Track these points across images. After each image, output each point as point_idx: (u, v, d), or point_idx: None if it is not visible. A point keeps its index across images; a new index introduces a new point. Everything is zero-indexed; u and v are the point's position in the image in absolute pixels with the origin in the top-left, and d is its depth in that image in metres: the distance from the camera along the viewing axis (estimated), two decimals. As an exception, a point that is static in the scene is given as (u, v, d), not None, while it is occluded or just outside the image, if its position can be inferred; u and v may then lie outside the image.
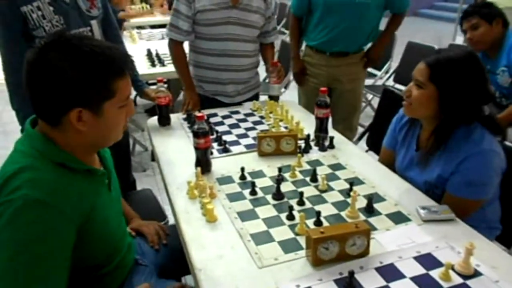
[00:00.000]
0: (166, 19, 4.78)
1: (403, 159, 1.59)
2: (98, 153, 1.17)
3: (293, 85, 5.10)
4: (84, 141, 1.03)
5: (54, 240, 0.94)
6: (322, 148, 1.71)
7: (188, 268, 1.17)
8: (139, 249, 1.39)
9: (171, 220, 1.57)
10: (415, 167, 1.52)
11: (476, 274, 1.04)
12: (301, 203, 1.34)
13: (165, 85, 2.01)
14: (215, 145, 1.74)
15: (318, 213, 1.23)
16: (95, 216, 1.05)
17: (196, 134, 1.48)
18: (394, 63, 3.99)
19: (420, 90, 1.39)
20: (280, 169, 1.49)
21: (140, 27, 4.97)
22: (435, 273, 1.04)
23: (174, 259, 1.38)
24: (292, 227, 1.23)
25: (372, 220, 1.27)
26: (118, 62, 1.01)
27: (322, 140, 1.74)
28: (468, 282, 1.02)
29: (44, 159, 0.98)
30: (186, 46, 2.20)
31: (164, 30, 4.32)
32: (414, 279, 1.03)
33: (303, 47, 2.73)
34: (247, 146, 1.75)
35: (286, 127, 1.89)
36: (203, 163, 1.52)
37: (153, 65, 3.16)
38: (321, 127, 1.78)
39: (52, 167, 0.98)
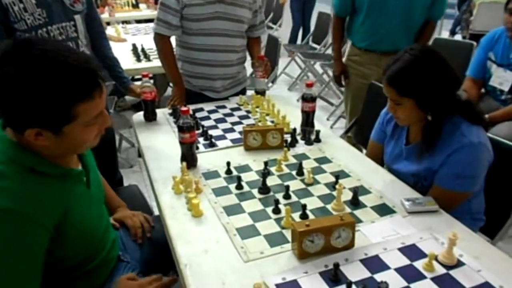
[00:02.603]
0: (153, 13, 4.75)
1: (392, 152, 1.59)
2: None
3: (280, 80, 5.13)
4: (52, 150, 0.98)
5: (25, 249, 0.92)
6: (308, 142, 1.71)
7: (173, 262, 1.16)
8: (121, 244, 1.37)
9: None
10: (404, 160, 1.53)
11: (459, 264, 1.05)
12: (287, 196, 1.34)
13: (151, 81, 1.99)
14: (201, 139, 1.74)
15: (304, 207, 1.24)
16: (71, 218, 1.03)
17: (181, 129, 1.47)
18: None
19: (399, 105, 1.40)
20: (266, 163, 1.49)
21: (125, 22, 4.92)
22: (419, 264, 1.05)
23: (159, 254, 1.37)
24: (278, 220, 1.23)
25: (357, 212, 1.27)
26: (85, 85, 0.92)
27: (308, 134, 1.74)
28: (451, 272, 1.03)
29: (12, 164, 0.94)
30: (172, 40, 2.18)
31: (150, 24, 4.30)
32: (398, 270, 1.04)
33: (346, 46, 2.66)
34: (233, 141, 1.74)
35: (272, 121, 1.89)
36: (188, 157, 1.51)
37: (139, 60, 3.12)
38: (307, 121, 1.78)
39: (21, 173, 0.94)
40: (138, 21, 5.04)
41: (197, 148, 1.64)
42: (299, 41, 6.21)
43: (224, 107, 2.10)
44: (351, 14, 2.53)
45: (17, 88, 0.87)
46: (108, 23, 4.34)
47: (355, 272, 1.04)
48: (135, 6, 5.33)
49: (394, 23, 2.36)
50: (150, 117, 1.96)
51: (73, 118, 0.93)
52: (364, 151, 1.92)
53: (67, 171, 1.05)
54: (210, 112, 2.04)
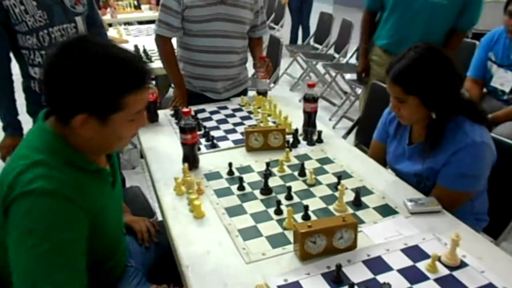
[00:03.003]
0: (155, 14, 4.76)
1: (395, 152, 1.59)
2: None
3: (282, 80, 5.13)
4: (90, 143, 1.02)
5: (72, 229, 0.94)
6: (310, 143, 1.71)
7: (176, 267, 1.16)
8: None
9: (160, 218, 1.56)
10: (406, 160, 1.52)
11: (462, 265, 1.05)
12: (289, 197, 1.34)
13: (153, 82, 1.99)
14: (202, 140, 1.74)
15: (306, 207, 1.23)
16: (100, 215, 1.05)
17: (182, 130, 1.47)
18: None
19: (404, 104, 1.39)
20: (268, 164, 1.49)
21: (127, 23, 4.92)
22: (422, 265, 1.05)
23: (162, 258, 1.37)
24: (280, 221, 1.23)
25: (359, 213, 1.27)
26: (135, 77, 0.99)
27: (310, 135, 1.74)
28: (454, 273, 1.02)
29: (54, 156, 0.97)
30: (173, 41, 2.18)
31: (152, 25, 4.30)
32: (401, 271, 1.03)
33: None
34: (235, 142, 1.74)
35: (274, 122, 1.88)
36: (190, 159, 1.51)
37: (141, 61, 3.12)
38: (309, 121, 1.77)
39: (62, 165, 0.97)
40: (140, 22, 5.04)
41: (199, 149, 1.64)
42: (299, 41, 6.21)
43: (226, 108, 2.10)
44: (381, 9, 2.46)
45: (76, 73, 0.93)
46: (110, 25, 4.35)
47: (358, 273, 1.03)
48: (137, 7, 5.33)
49: (416, 26, 2.28)
50: (152, 118, 1.96)
51: (120, 108, 0.98)
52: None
53: (99, 169, 1.08)
54: (211, 113, 2.04)
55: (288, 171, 1.50)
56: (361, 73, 2.67)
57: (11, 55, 1.80)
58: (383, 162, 1.64)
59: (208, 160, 1.59)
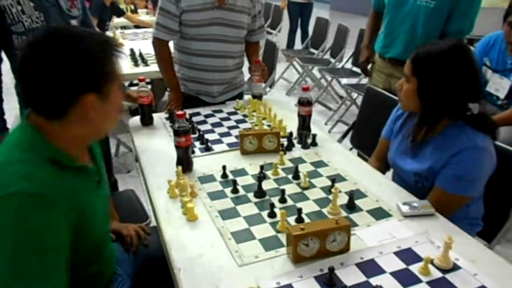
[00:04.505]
0: (152, 19, 4.78)
1: (397, 148, 1.58)
2: (88, 149, 1.13)
3: (279, 85, 5.14)
4: (83, 133, 1.00)
5: (55, 235, 0.90)
6: (305, 146, 1.71)
7: (166, 277, 1.15)
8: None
9: (154, 221, 1.55)
10: (408, 157, 1.52)
11: (455, 267, 1.04)
12: (282, 200, 1.33)
13: (149, 86, 1.99)
14: (197, 144, 1.73)
15: (300, 210, 1.23)
16: (85, 216, 1.01)
17: (176, 133, 1.46)
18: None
19: (407, 83, 1.42)
20: (262, 167, 1.48)
21: (123, 27, 4.93)
22: (415, 268, 1.05)
23: (151, 268, 1.35)
24: (273, 224, 1.22)
25: (353, 216, 1.26)
26: (108, 46, 1.01)
27: (304, 138, 1.73)
28: (447, 275, 1.02)
29: (34, 152, 0.94)
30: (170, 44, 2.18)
31: (148, 29, 4.32)
32: (394, 274, 1.03)
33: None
34: (229, 145, 1.74)
35: (269, 125, 1.88)
36: (184, 161, 1.50)
37: (136, 65, 3.13)
38: (303, 125, 1.77)
39: (42, 162, 0.93)
40: (137, 26, 5.05)
41: (193, 152, 1.63)
42: (297, 45, 6.23)
43: (221, 111, 2.10)
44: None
45: (64, 59, 0.92)
46: (106, 29, 4.36)
47: (350, 276, 1.03)
48: (134, 11, 5.35)
49: (402, 29, 2.28)
50: (147, 121, 1.96)
51: (110, 75, 0.99)
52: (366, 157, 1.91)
53: (84, 166, 1.05)
54: (206, 116, 2.04)
55: (282, 174, 1.50)
56: (364, 62, 2.67)
57: (6, 58, 1.80)
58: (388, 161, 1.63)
59: (202, 163, 1.58)
